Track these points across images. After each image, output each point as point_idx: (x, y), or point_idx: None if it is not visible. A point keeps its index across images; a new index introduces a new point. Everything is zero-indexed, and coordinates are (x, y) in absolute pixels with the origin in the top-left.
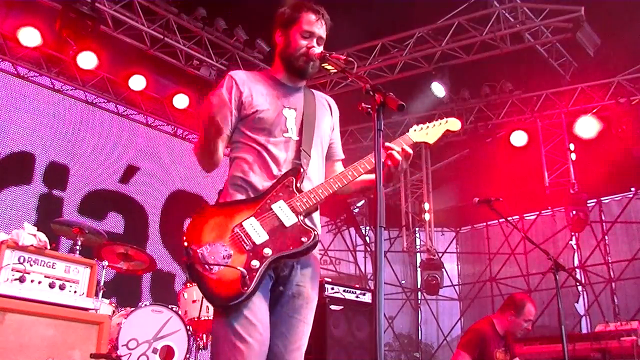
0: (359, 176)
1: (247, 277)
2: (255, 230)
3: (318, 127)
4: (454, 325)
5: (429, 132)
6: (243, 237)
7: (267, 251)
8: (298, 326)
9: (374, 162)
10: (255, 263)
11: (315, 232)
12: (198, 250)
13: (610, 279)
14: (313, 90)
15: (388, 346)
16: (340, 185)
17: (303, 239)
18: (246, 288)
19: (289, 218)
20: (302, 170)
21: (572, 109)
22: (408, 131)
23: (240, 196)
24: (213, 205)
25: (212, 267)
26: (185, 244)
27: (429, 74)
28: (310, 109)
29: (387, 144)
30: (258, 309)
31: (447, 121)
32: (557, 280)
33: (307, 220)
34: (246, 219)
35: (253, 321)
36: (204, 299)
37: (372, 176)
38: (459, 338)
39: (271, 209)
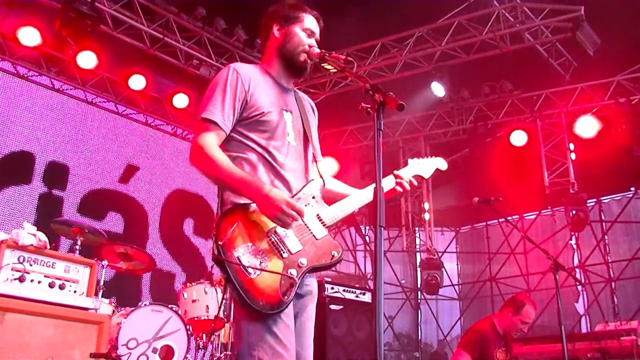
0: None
1: (293, 285)
2: (289, 238)
3: (313, 133)
4: (454, 325)
5: (424, 168)
6: (279, 243)
7: (303, 261)
8: (308, 324)
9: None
10: (293, 272)
11: (342, 247)
12: (234, 252)
13: (610, 278)
14: (297, 90)
15: (388, 346)
16: (360, 206)
17: (334, 253)
18: (286, 297)
19: (319, 230)
20: (323, 181)
21: (572, 109)
22: (408, 161)
23: None
24: (241, 205)
25: (250, 270)
26: (220, 242)
27: (428, 74)
28: (304, 114)
29: (396, 172)
30: (291, 313)
31: (435, 161)
32: (556, 279)
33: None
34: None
35: (290, 326)
36: (237, 300)
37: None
38: (458, 338)
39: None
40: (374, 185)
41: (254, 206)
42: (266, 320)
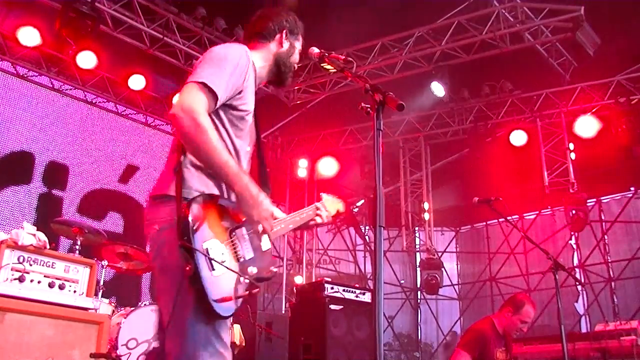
0: (307, 221)
1: (248, 292)
2: (246, 243)
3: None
4: (454, 325)
5: (333, 205)
6: (238, 246)
7: (253, 270)
8: None
9: (310, 214)
10: (245, 279)
11: (278, 264)
12: (203, 244)
13: (610, 278)
14: None
15: (388, 346)
16: (298, 225)
17: (273, 268)
18: (238, 302)
19: (265, 242)
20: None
21: (572, 109)
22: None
23: (214, 189)
24: (210, 196)
25: (217, 267)
26: (192, 229)
27: (428, 74)
28: (259, 120)
29: (318, 204)
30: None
31: (339, 202)
32: (556, 279)
33: None
34: (239, 228)
35: (229, 328)
36: (196, 296)
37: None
38: (458, 337)
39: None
40: (308, 207)
41: (222, 201)
42: (215, 321)
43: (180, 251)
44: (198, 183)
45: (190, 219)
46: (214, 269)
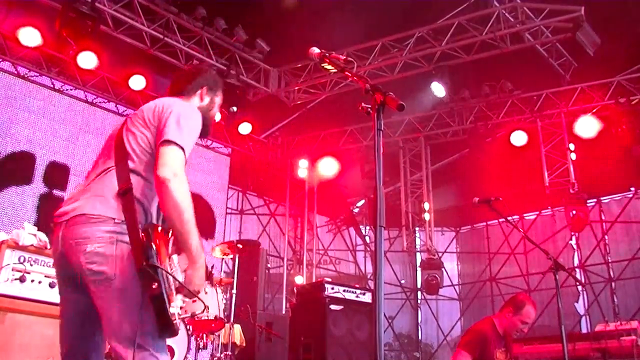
0: None
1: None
2: (178, 269)
3: None
4: (454, 325)
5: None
6: (175, 272)
7: (180, 296)
8: None
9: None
10: (178, 303)
11: None
12: (162, 264)
13: (610, 278)
14: None
15: (388, 346)
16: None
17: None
18: (177, 324)
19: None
20: None
21: (572, 109)
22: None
23: (144, 219)
24: (155, 225)
25: (169, 286)
26: (155, 253)
27: (429, 74)
28: None
29: None
30: None
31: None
32: (557, 280)
33: None
34: (173, 255)
35: None
36: (158, 314)
37: None
38: (458, 338)
39: (172, 258)
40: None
41: (162, 231)
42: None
43: (144, 270)
44: (142, 212)
45: (153, 244)
46: (170, 289)
